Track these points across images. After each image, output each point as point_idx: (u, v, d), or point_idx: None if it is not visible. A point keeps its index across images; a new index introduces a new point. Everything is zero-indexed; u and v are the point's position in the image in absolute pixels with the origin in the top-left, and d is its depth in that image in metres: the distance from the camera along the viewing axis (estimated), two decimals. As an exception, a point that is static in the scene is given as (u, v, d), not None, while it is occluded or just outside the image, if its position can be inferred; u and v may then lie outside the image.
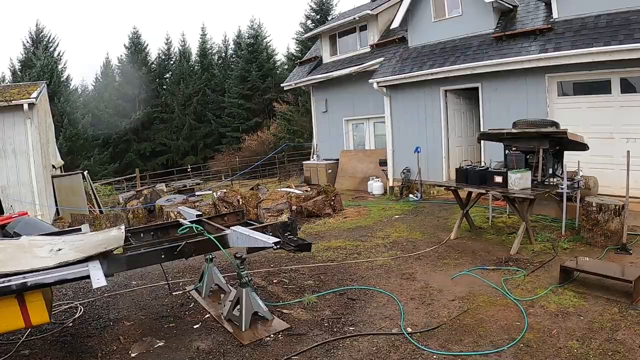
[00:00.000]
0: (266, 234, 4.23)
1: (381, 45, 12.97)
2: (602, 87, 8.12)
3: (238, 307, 4.19)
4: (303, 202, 10.19)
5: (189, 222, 4.75)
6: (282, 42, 77.67)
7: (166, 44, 35.89)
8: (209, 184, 20.61)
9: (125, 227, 4.62)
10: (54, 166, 13.77)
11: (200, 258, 5.27)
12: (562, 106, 8.68)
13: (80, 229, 4.91)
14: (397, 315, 4.29)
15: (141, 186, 17.69)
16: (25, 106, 10.21)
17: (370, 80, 11.82)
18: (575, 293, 4.48)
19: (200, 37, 36.57)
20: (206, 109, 33.49)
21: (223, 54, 37.59)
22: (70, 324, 4.59)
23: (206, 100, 33.69)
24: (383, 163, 12.61)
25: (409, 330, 3.96)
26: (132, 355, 3.86)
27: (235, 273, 4.18)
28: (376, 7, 13.20)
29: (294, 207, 10.06)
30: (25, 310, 3.40)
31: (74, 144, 26.93)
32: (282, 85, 17.62)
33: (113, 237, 3.99)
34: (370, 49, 13.36)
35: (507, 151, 6.82)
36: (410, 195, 11.01)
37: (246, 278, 4.12)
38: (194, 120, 32.80)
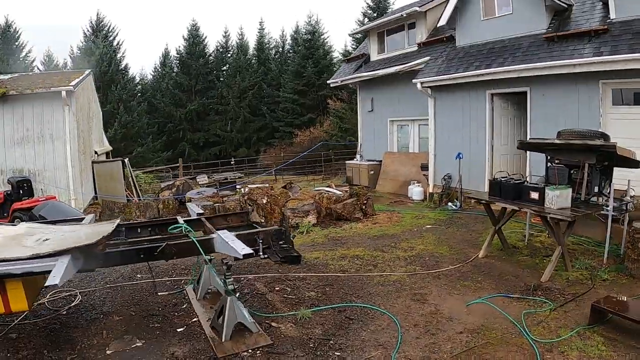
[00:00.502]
0: (257, 240, 3.97)
1: (428, 44, 12.28)
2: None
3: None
4: (333, 204, 9.82)
5: (184, 221, 4.58)
6: (339, 39, 77.21)
7: (224, 37, 36.60)
8: (253, 177, 20.75)
9: (122, 221, 4.55)
10: (96, 152, 14.30)
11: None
12: (617, 116, 7.66)
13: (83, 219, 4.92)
14: (392, 344, 3.85)
15: (184, 176, 18.09)
16: (63, 93, 10.57)
17: (414, 80, 11.20)
18: (605, 339, 3.80)
19: (258, 31, 37.02)
20: (261, 103, 33.81)
21: (280, 49, 37.76)
22: (64, 312, 4.59)
23: (261, 94, 34.00)
24: (425, 167, 11.96)
25: (400, 363, 3.52)
26: (108, 352, 3.78)
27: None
28: (425, 4, 12.47)
29: (322, 209, 9.74)
30: (5, 296, 3.40)
31: (128, 131, 28.18)
32: (328, 82, 17.33)
33: (98, 232, 3.89)
34: (417, 48, 12.70)
35: (549, 164, 6.07)
36: (449, 204, 10.33)
37: (232, 286, 3.87)
38: (248, 113, 33.26)
